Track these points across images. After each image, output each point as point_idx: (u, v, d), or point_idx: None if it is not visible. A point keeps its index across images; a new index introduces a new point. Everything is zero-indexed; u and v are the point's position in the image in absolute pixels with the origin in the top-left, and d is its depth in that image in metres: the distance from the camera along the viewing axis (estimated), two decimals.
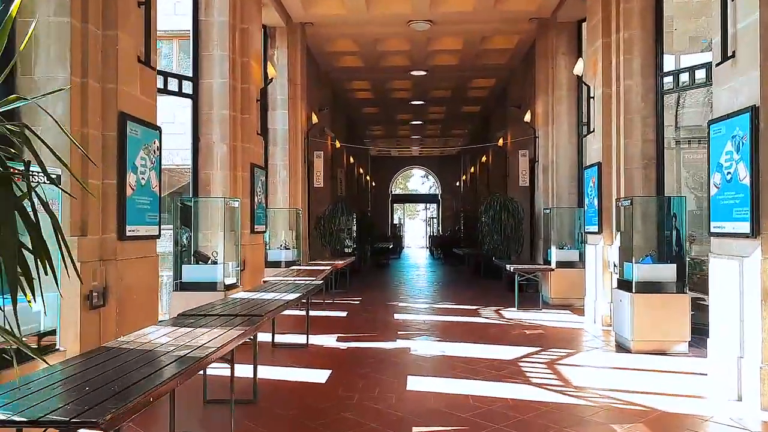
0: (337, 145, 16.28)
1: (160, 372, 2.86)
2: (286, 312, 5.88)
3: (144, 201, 5.01)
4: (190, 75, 7.65)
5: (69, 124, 4.25)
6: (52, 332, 3.67)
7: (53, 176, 3.50)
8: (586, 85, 8.73)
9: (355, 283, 13.52)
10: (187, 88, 7.59)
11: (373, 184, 30.80)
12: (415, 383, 5.25)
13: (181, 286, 6.75)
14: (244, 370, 4.81)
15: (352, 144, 20.25)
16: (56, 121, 1.99)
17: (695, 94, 12.28)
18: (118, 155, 4.66)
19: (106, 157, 4.64)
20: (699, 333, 6.44)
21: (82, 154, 4.35)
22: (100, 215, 4.57)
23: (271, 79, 9.54)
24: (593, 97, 8.37)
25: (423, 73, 15.32)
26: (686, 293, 6.48)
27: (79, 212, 4.35)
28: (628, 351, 6.45)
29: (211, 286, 6.66)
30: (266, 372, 5.49)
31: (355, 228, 14.75)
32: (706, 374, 5.30)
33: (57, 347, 3.66)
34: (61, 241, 1.91)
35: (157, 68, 5.75)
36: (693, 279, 8.21)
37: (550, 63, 11.07)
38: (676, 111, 12.47)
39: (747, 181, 4.51)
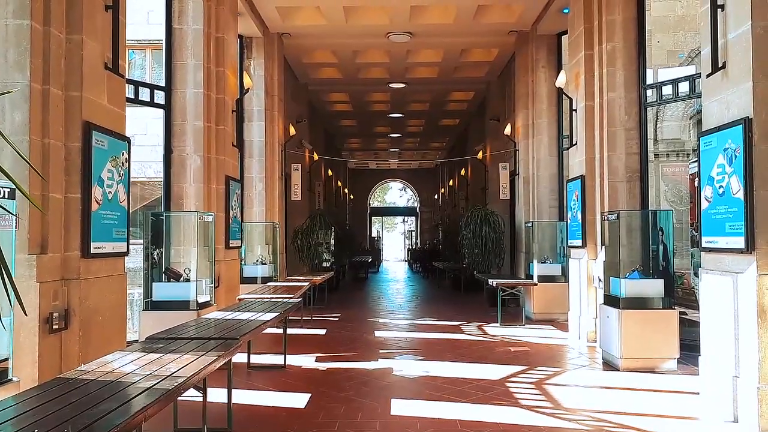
0: (315, 157, 16.04)
1: (123, 408, 2.57)
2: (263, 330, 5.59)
3: (111, 216, 4.70)
4: (163, 84, 7.37)
5: (28, 133, 3.94)
6: (5, 360, 3.35)
7: (7, 190, 3.22)
8: (568, 97, 8.65)
9: (334, 298, 13.22)
10: (160, 98, 7.31)
11: (351, 197, 30.57)
12: (400, 407, 4.99)
13: (152, 305, 6.42)
14: (218, 395, 4.51)
15: (330, 156, 20.03)
16: None
17: (674, 108, 12.34)
18: (82, 167, 4.35)
19: (70, 169, 4.32)
20: (684, 349, 6.33)
21: (42, 166, 4.05)
22: (62, 231, 4.25)
23: (248, 89, 9.29)
24: (575, 110, 8.29)
25: (402, 85, 15.21)
26: (674, 309, 6.35)
27: (38, 228, 4.03)
28: (616, 369, 6.28)
29: (183, 305, 6.34)
30: (241, 396, 5.20)
31: (333, 242, 14.46)
32: (697, 393, 5.15)
33: (10, 377, 3.34)
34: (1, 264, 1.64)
35: (128, 77, 5.48)
36: (677, 293, 8.13)
37: (530, 76, 11.01)
38: (655, 124, 12.52)
39: (741, 194, 4.39)
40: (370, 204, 36.28)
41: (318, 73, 14.30)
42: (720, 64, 4.67)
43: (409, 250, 34.18)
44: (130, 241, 5.08)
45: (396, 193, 45.97)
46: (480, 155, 15.80)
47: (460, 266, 14.19)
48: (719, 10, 4.68)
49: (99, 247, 4.51)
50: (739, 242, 4.40)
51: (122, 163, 4.86)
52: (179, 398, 3.79)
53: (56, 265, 4.17)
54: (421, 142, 25.11)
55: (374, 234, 37.94)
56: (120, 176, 4.83)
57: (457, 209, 21.79)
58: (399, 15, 10.55)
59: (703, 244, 4.93)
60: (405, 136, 23.45)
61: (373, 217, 38.05)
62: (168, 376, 3.10)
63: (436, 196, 31.54)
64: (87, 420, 2.39)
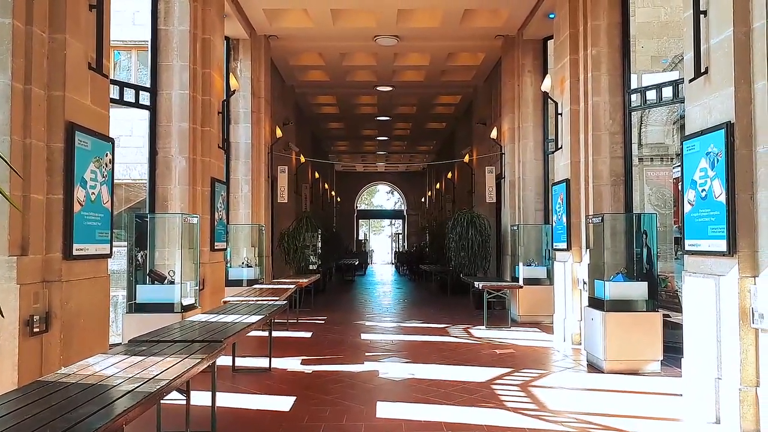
0: (302, 159, 16.00)
1: (104, 411, 2.53)
2: (248, 333, 5.55)
3: (94, 217, 4.65)
4: (148, 86, 7.32)
5: (9, 133, 3.89)
6: None
7: None
8: (553, 101, 8.70)
9: (320, 301, 13.19)
10: (145, 99, 7.25)
11: (339, 199, 30.52)
12: (385, 410, 4.98)
13: (136, 308, 6.36)
14: (202, 398, 4.48)
15: (317, 159, 19.99)
16: None
17: (658, 113, 12.48)
18: (64, 168, 4.30)
19: (52, 170, 4.27)
20: (668, 351, 6.38)
21: (24, 167, 4.00)
22: (44, 233, 4.19)
23: (234, 91, 9.24)
24: (561, 114, 8.34)
25: (389, 88, 15.22)
26: (658, 311, 6.41)
27: (19, 229, 3.98)
28: (600, 371, 6.32)
29: (167, 308, 6.29)
30: (226, 399, 5.16)
31: (319, 244, 14.43)
32: (680, 395, 5.20)
33: None
34: None
35: (113, 78, 5.44)
36: (660, 295, 8.20)
37: (516, 80, 11.07)
38: (639, 129, 12.65)
39: (723, 198, 4.44)
40: (357, 207, 36.26)
41: (305, 75, 14.28)
42: (702, 69, 4.73)
43: (396, 253, 34.20)
44: (114, 243, 5.03)
45: (383, 196, 46.04)
46: (466, 159, 15.85)
47: (447, 269, 14.21)
48: (702, 15, 4.75)
49: (81, 249, 4.46)
50: (721, 245, 4.45)
51: (106, 164, 4.81)
52: (162, 401, 3.76)
53: (37, 266, 4.12)
54: (408, 145, 25.15)
55: (362, 236, 37.94)
56: (103, 177, 4.78)
57: (443, 212, 21.84)
58: (386, 18, 10.57)
59: (686, 247, 4.98)
60: (392, 139, 23.48)
61: (360, 220, 38.04)
62: (150, 378, 3.07)
63: (423, 199, 31.60)
64: (66, 423, 2.35)
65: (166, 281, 6.60)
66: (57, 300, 4.21)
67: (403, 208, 36.97)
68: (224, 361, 6.18)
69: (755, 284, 4.27)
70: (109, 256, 4.92)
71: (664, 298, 9.09)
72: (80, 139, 4.43)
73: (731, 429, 4.34)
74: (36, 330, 4.00)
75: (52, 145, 4.27)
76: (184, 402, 3.70)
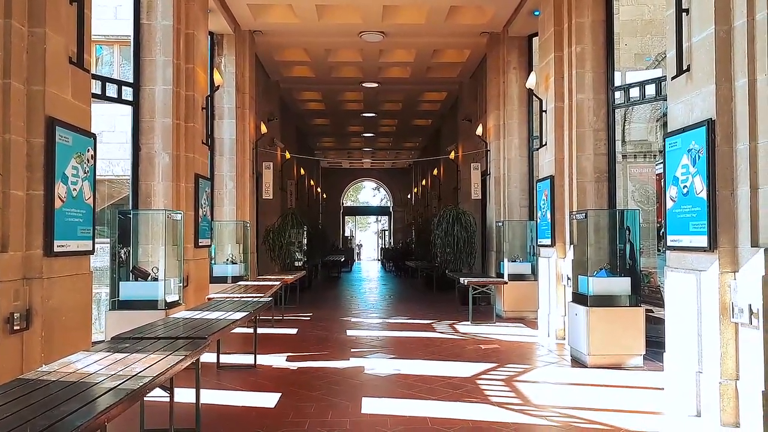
0: (287, 156, 15.93)
1: (86, 409, 2.50)
2: (233, 330, 5.53)
3: (75, 214, 4.59)
4: (131, 81, 7.24)
5: None
6: None
7: None
8: (538, 98, 8.75)
9: (306, 297, 13.16)
10: (128, 94, 7.18)
11: (324, 196, 30.46)
12: (371, 405, 4.99)
13: (119, 305, 6.30)
14: (186, 395, 4.45)
15: (303, 155, 19.92)
16: None
17: (641, 110, 12.60)
18: (45, 164, 4.24)
19: (32, 165, 4.21)
20: (650, 345, 6.46)
21: (3, 162, 3.94)
22: (24, 229, 4.13)
23: (218, 86, 9.17)
24: (545, 111, 8.39)
25: (375, 85, 15.20)
26: (641, 306, 6.48)
27: None
28: (584, 365, 6.38)
29: (151, 305, 6.24)
30: (210, 396, 5.14)
31: (305, 241, 14.38)
32: (662, 388, 5.26)
33: None
34: None
35: (96, 73, 5.37)
36: (643, 291, 8.29)
37: (501, 77, 11.11)
38: (623, 126, 12.76)
39: (704, 194, 4.50)
40: (343, 203, 36.21)
41: (290, 71, 14.21)
42: (684, 67, 4.78)
43: (382, 249, 34.21)
44: (97, 240, 4.97)
45: (369, 193, 45.99)
46: (452, 155, 15.89)
47: (433, 265, 14.25)
48: (684, 14, 4.79)
49: (62, 246, 4.41)
50: (702, 241, 4.51)
51: (87, 160, 4.75)
52: (146, 399, 3.73)
53: (17, 263, 4.06)
54: (394, 141, 25.15)
55: (348, 233, 37.90)
56: (85, 173, 4.72)
57: (429, 209, 21.88)
58: (371, 14, 10.54)
59: (668, 243, 5.03)
60: (378, 135, 23.46)
61: (346, 217, 38.00)
62: (133, 376, 3.04)
63: (409, 196, 31.64)
64: (47, 421, 2.32)
65: (149, 278, 6.55)
66: (38, 297, 4.15)
67: (389, 204, 36.98)
68: (209, 358, 6.15)
69: (735, 279, 4.33)
70: (92, 252, 4.87)
71: (646, 293, 9.20)
72: (61, 134, 4.38)
73: (712, 422, 4.41)
74: (16, 328, 3.95)
75: (32, 140, 4.20)
76: (168, 399, 3.68)
